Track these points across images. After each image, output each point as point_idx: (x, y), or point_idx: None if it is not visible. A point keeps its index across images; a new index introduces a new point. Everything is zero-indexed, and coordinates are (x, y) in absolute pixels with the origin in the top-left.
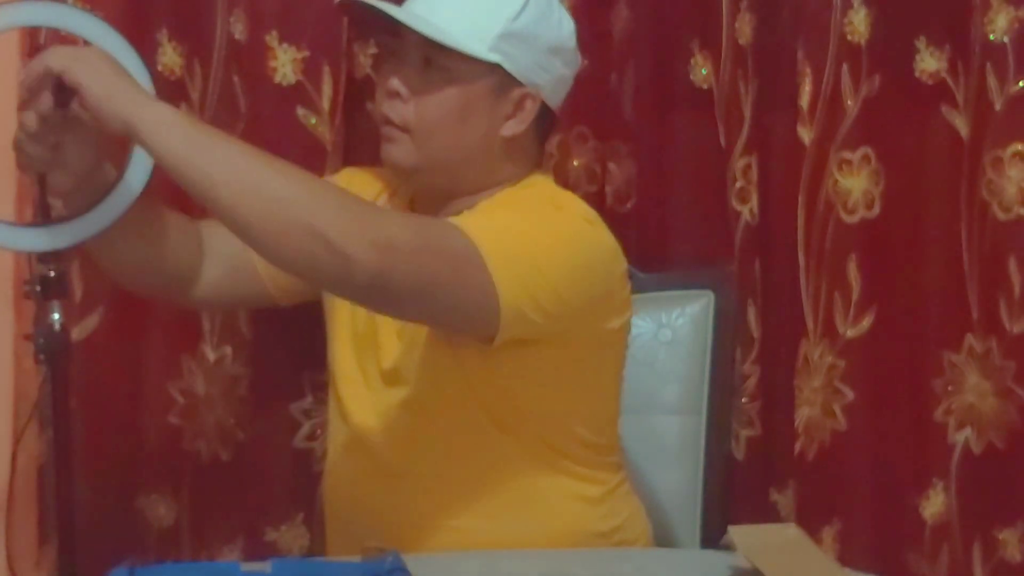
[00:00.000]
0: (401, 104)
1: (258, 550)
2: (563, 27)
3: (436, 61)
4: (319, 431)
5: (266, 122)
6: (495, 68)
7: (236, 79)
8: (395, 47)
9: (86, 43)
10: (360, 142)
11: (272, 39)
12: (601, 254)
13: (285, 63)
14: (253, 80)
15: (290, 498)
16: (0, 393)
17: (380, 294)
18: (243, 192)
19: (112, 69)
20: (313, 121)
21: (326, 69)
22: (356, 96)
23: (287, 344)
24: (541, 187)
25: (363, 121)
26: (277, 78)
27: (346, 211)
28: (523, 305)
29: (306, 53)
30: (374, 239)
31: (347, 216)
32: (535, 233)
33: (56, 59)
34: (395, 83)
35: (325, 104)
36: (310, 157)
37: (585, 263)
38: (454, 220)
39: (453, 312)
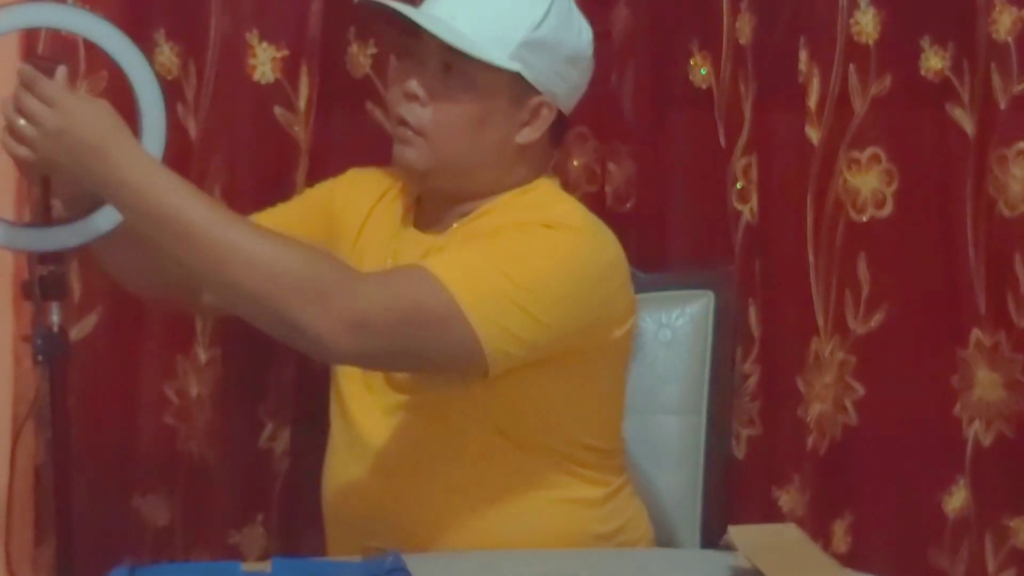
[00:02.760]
0: (419, 107)
1: (222, 554)
2: (582, 36)
3: (456, 67)
4: (279, 431)
5: (244, 120)
6: (514, 76)
7: (226, 79)
8: (412, 48)
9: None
10: (335, 143)
11: (252, 37)
12: (596, 270)
13: (264, 61)
14: (234, 78)
15: (252, 500)
16: (0, 393)
17: (360, 363)
18: (215, 284)
19: (91, 157)
20: (289, 120)
21: (304, 69)
22: (333, 96)
23: (255, 344)
24: (542, 192)
25: (339, 122)
26: (256, 76)
27: (316, 296)
28: (507, 346)
29: (285, 52)
30: (347, 321)
31: (317, 302)
32: (517, 268)
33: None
34: (414, 85)
35: (301, 104)
36: (285, 156)
37: (576, 286)
38: (433, 265)
39: (438, 365)
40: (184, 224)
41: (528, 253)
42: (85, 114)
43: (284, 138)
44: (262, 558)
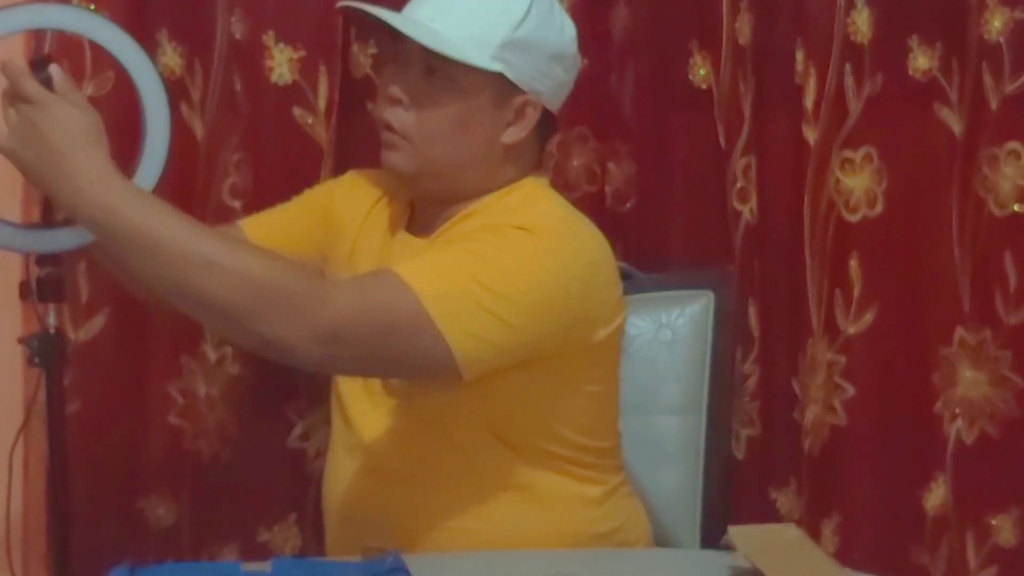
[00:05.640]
0: (403, 112)
1: (252, 551)
2: (565, 33)
3: (438, 69)
4: (312, 431)
5: (263, 122)
6: (497, 77)
7: (237, 79)
8: (397, 51)
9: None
10: (356, 142)
11: (269, 39)
12: (572, 271)
13: (282, 63)
14: (249, 80)
15: (283, 498)
16: (7, 396)
17: (333, 372)
18: (182, 298)
19: (49, 159)
20: (310, 121)
21: (323, 69)
22: (353, 96)
23: None
24: (525, 193)
25: (359, 122)
26: (274, 78)
27: (287, 308)
28: (477, 352)
29: (303, 53)
30: (318, 332)
31: (288, 314)
32: (487, 272)
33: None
34: (396, 90)
35: (321, 104)
36: (306, 157)
37: (549, 289)
38: (403, 271)
39: (410, 372)
40: (149, 238)
41: (499, 256)
42: (60, 116)
43: (305, 140)
44: (296, 556)
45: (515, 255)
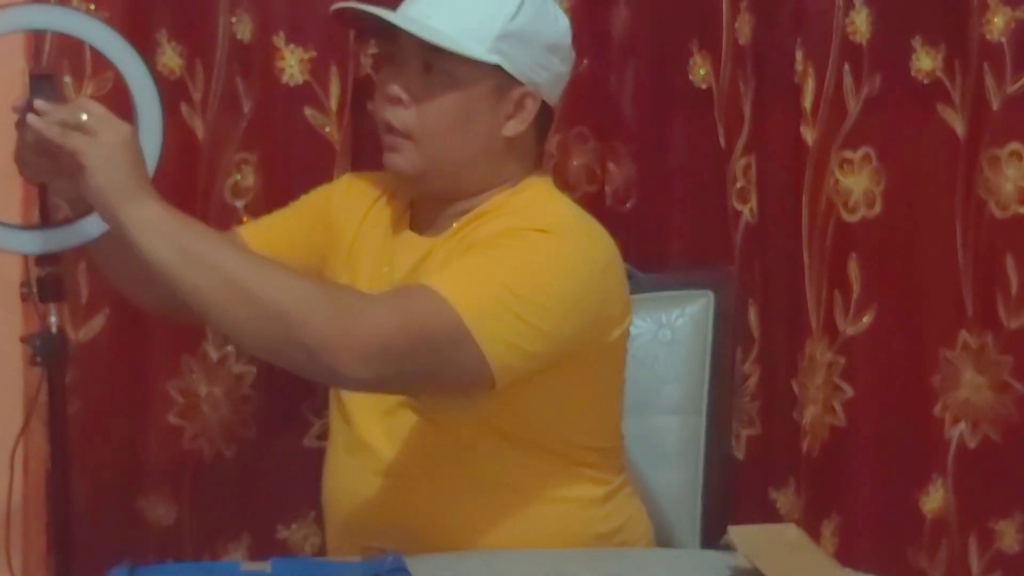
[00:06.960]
0: (403, 110)
1: (268, 548)
2: (559, 24)
3: (436, 65)
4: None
5: (274, 122)
6: (495, 69)
7: (239, 79)
8: (394, 51)
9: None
10: (368, 142)
11: (279, 40)
12: (592, 272)
13: (292, 64)
14: (260, 81)
15: (301, 497)
16: (9, 395)
17: (372, 390)
18: (231, 304)
19: (124, 159)
20: (321, 121)
21: (333, 69)
22: (364, 96)
23: None
24: (535, 193)
25: (370, 121)
26: (284, 78)
27: (335, 324)
28: (513, 360)
29: (313, 53)
30: (364, 350)
31: (336, 329)
32: (517, 279)
33: (73, 140)
34: (395, 89)
35: (333, 104)
36: (318, 157)
37: (575, 291)
38: (436, 283)
39: (446, 385)
40: (208, 257)
41: (527, 262)
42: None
43: (317, 140)
44: (317, 554)
45: (541, 260)
